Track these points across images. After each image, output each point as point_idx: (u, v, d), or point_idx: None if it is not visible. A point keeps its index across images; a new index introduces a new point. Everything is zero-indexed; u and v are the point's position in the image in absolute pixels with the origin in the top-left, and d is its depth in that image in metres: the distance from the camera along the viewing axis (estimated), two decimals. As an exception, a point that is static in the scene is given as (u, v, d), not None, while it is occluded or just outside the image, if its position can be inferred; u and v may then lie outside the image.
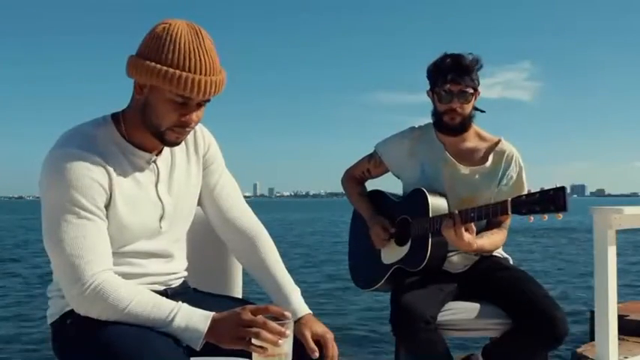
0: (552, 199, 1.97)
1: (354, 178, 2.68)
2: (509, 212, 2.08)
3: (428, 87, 2.42)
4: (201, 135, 1.71)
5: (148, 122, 1.50)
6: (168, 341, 1.38)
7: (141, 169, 1.56)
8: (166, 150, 1.63)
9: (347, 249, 2.81)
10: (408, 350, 2.23)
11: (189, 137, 1.68)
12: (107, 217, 1.48)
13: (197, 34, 1.44)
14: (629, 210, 2.52)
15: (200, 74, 1.42)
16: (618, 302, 2.66)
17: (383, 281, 2.47)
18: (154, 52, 1.43)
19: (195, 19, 1.50)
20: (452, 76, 2.30)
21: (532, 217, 2.03)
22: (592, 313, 3.77)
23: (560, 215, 1.97)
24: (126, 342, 1.34)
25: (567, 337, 2.11)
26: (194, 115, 1.48)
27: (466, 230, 2.16)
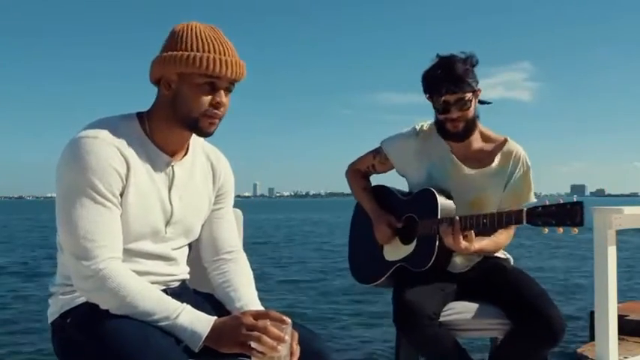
0: (569, 214, 1.98)
1: (359, 172, 2.65)
2: (524, 222, 2.08)
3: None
4: (224, 167, 1.77)
5: (180, 114, 1.54)
6: (168, 341, 1.39)
7: (158, 169, 1.58)
8: (188, 160, 1.65)
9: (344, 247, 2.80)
10: (415, 347, 2.22)
11: (214, 161, 1.74)
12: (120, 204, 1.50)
13: (212, 28, 1.55)
14: (629, 210, 2.52)
15: (223, 55, 1.50)
16: (618, 302, 2.67)
17: (384, 278, 2.47)
18: (177, 44, 1.52)
19: (200, 20, 1.55)
20: (446, 87, 2.23)
21: (547, 229, 2.04)
22: (592, 313, 3.77)
23: (576, 230, 1.99)
24: (126, 341, 1.34)
25: (567, 338, 2.10)
26: (224, 99, 1.54)
27: (464, 237, 2.18)
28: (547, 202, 2.05)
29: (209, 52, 1.50)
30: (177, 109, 1.54)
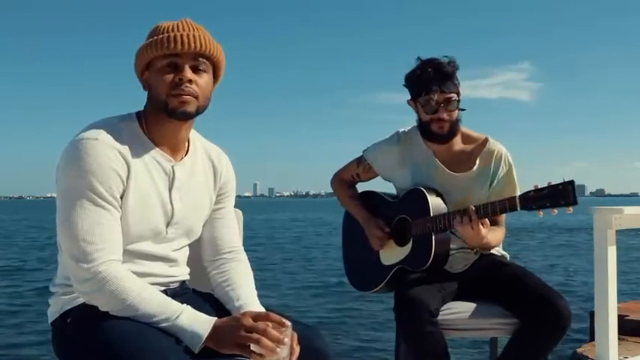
0: (562, 194, 1.97)
1: (344, 181, 2.66)
2: (518, 208, 2.08)
3: (408, 96, 2.39)
4: (226, 167, 1.76)
5: (154, 103, 1.54)
6: (169, 341, 1.39)
7: (158, 170, 1.57)
8: (188, 160, 1.64)
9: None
10: (411, 342, 2.20)
11: (215, 160, 1.73)
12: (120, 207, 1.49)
13: (181, 20, 1.55)
14: (629, 210, 2.52)
15: (179, 31, 1.50)
16: (618, 302, 2.66)
17: (384, 283, 2.46)
18: (145, 39, 1.53)
19: (193, 17, 1.56)
20: (436, 86, 2.28)
21: (542, 212, 2.03)
22: (592, 313, 3.77)
23: (571, 209, 1.98)
24: (127, 341, 1.34)
25: (567, 338, 2.09)
26: (187, 73, 1.51)
27: (482, 225, 2.16)
28: (538, 186, 2.04)
29: (164, 33, 1.50)
30: (152, 100, 1.55)
